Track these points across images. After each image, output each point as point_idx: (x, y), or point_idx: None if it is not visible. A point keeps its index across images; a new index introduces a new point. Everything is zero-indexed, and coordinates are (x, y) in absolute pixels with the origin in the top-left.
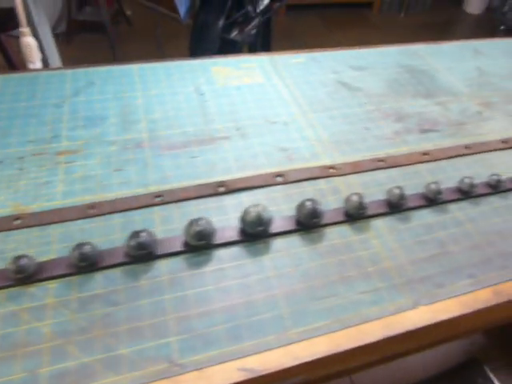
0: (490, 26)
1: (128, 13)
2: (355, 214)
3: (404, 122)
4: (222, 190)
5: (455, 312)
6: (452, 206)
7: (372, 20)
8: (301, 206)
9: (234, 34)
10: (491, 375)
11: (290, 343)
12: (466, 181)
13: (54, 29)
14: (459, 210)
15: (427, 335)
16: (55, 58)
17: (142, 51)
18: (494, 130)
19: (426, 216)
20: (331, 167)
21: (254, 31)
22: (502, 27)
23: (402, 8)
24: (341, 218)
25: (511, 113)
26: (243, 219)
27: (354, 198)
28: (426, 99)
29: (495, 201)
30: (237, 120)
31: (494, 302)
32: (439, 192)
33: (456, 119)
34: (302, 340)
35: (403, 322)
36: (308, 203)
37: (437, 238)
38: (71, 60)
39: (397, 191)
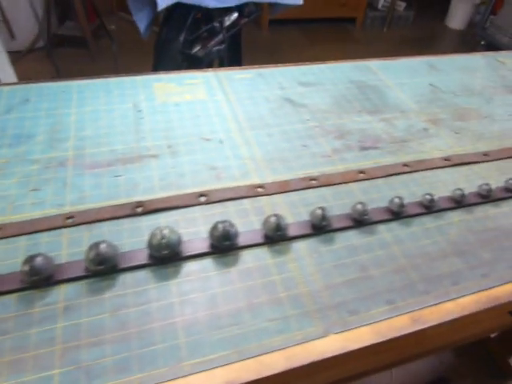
0: (472, 41)
1: (112, 27)
2: (274, 236)
3: (345, 139)
4: (139, 210)
5: (367, 341)
6: (381, 227)
7: (355, 35)
8: (213, 229)
9: (196, 49)
10: None
11: (184, 375)
12: (396, 201)
13: (34, 43)
14: (388, 231)
15: (337, 366)
16: (7, 74)
17: (122, 65)
18: (437, 147)
19: (351, 238)
20: (259, 186)
21: (218, 47)
22: (483, 42)
23: (385, 23)
24: (259, 240)
25: (458, 129)
26: (149, 242)
27: (272, 220)
28: (372, 115)
29: (427, 221)
30: (170, 137)
31: (410, 329)
32: (365, 213)
33: (399, 136)
34: (197, 372)
35: (309, 351)
36: (220, 225)
37: (359, 261)
38: (49, 75)
39: (319, 212)
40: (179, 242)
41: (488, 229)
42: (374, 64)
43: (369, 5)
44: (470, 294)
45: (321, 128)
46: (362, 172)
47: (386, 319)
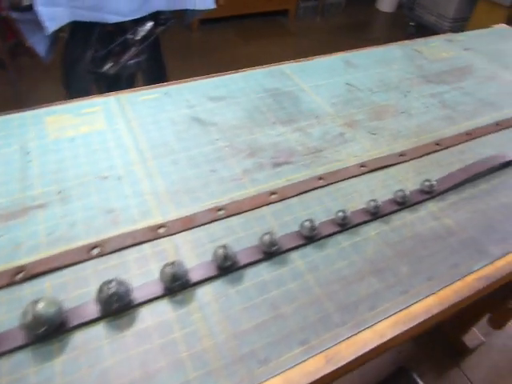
0: (402, 22)
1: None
2: (174, 287)
3: (257, 157)
4: (19, 277)
5: None
6: (293, 255)
7: (288, 27)
8: (100, 292)
9: (108, 66)
10: (419, 381)
11: None
12: (306, 224)
13: None
14: (301, 258)
15: None
16: None
17: (44, 86)
18: (353, 153)
19: (261, 272)
20: (161, 226)
21: (137, 59)
22: (412, 23)
23: (317, 13)
24: (159, 292)
25: (374, 130)
26: (21, 322)
27: (168, 270)
28: (286, 126)
29: (342, 240)
30: (61, 181)
31: (324, 371)
32: (273, 243)
33: (314, 146)
34: None
35: None
36: (107, 287)
37: (270, 299)
38: None
39: (221, 252)
40: (59, 314)
41: (405, 238)
42: (289, 67)
43: None
44: (388, 316)
45: (231, 147)
46: (273, 193)
47: (299, 363)
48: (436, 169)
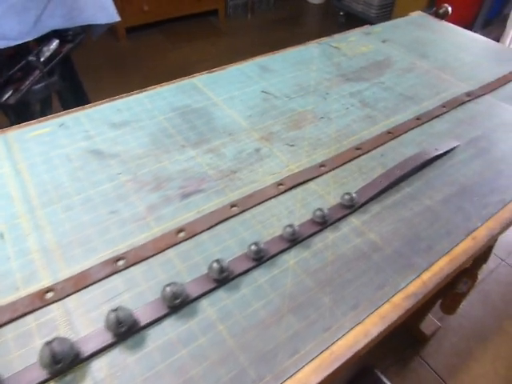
0: (333, 12)
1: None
2: (58, 369)
3: (163, 189)
4: None
5: None
6: (203, 303)
7: (220, 27)
8: None
9: (8, 95)
10: (383, 378)
11: None
12: (215, 266)
13: None
14: (212, 306)
15: None
16: None
17: None
18: (270, 170)
19: (166, 330)
20: (49, 290)
21: (46, 82)
22: (342, 13)
23: (247, 10)
24: (40, 378)
25: (293, 141)
26: None
27: (45, 354)
28: (196, 148)
29: (258, 276)
30: None
31: None
32: (176, 295)
33: (228, 167)
34: None
35: None
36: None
37: (177, 363)
38: None
39: (112, 317)
40: None
41: (327, 263)
42: (200, 80)
43: None
44: (310, 360)
45: (134, 181)
46: (181, 230)
47: None
48: (358, 177)
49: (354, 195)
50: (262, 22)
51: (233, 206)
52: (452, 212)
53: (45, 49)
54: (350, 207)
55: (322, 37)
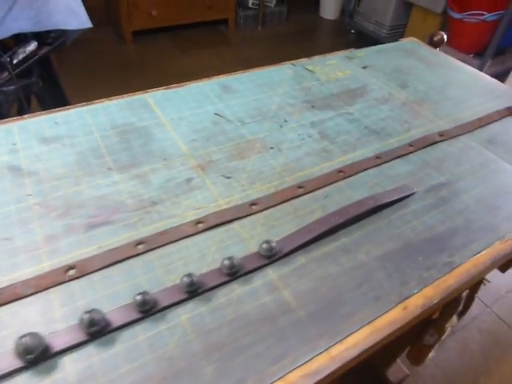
0: (344, 30)
1: None
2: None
3: (70, 217)
4: None
5: None
6: (63, 360)
7: (229, 37)
8: None
9: None
10: None
11: None
12: (86, 317)
13: None
14: (74, 364)
15: None
16: None
17: None
18: (195, 204)
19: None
20: None
21: (20, 84)
22: (353, 31)
23: (258, 22)
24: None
25: (231, 172)
26: None
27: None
28: (124, 172)
29: (140, 332)
30: None
31: None
32: (31, 350)
33: (150, 197)
34: None
35: None
36: None
37: None
38: None
39: None
40: None
41: (224, 322)
42: (154, 96)
43: (239, 4)
44: None
45: (42, 205)
46: (71, 267)
47: None
48: (292, 220)
49: (273, 244)
50: (272, 35)
51: (139, 243)
52: (388, 273)
53: (20, 50)
54: (269, 257)
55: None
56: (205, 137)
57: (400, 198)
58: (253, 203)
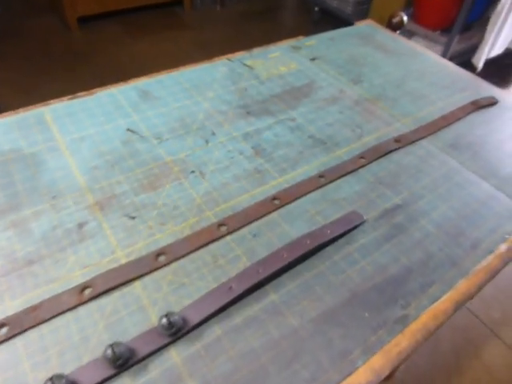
0: (308, 8)
1: None
2: None
3: None
4: None
5: None
6: None
7: (185, 19)
8: None
9: None
10: None
11: None
12: None
13: None
14: None
15: None
16: None
17: None
18: (85, 260)
19: None
20: None
21: None
22: (317, 8)
23: (216, 1)
24: None
25: (136, 210)
26: None
27: None
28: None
29: None
30: None
31: None
32: None
33: (26, 254)
34: None
35: None
36: None
37: None
38: None
39: None
40: None
41: None
42: (54, 110)
43: None
44: None
45: None
46: None
47: None
48: (208, 273)
49: (175, 318)
50: (232, 16)
51: (1, 325)
52: (326, 339)
53: None
54: (173, 334)
55: (295, 35)
56: (110, 162)
57: (345, 232)
58: (160, 253)
